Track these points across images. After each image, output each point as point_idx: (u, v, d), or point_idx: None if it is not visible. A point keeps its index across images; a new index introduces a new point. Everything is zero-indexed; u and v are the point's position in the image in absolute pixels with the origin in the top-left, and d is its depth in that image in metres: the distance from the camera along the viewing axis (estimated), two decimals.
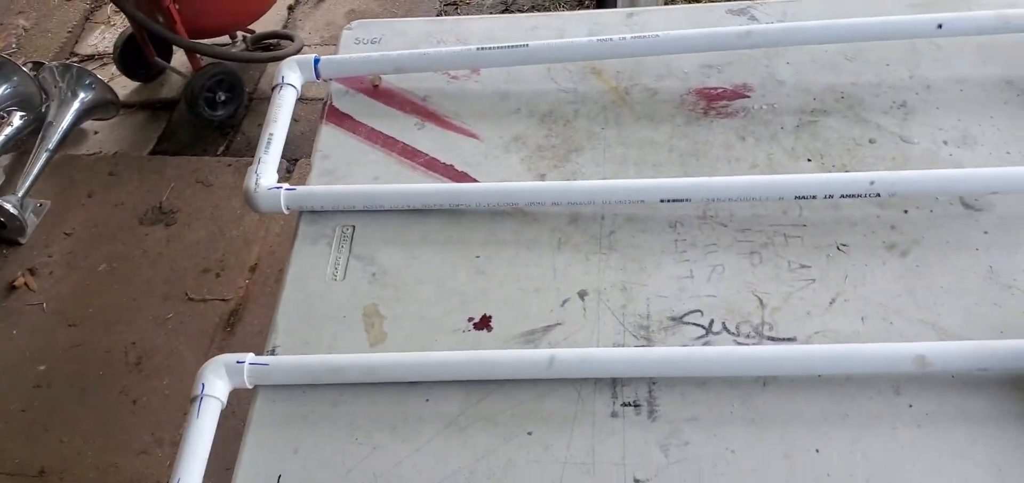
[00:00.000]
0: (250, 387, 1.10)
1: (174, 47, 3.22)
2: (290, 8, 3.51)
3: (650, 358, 1.05)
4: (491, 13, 3.44)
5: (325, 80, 1.42)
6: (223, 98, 3.11)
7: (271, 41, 3.31)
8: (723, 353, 1.05)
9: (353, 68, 1.40)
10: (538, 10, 3.25)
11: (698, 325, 1.11)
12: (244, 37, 3.27)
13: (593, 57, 1.36)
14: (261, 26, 3.27)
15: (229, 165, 3.04)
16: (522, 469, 1.01)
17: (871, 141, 1.26)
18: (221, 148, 3.11)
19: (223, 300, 2.70)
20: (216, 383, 1.08)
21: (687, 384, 1.05)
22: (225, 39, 3.24)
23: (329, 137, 1.37)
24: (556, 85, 1.40)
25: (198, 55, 3.04)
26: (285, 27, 3.44)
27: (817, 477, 0.97)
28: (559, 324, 1.12)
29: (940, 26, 1.28)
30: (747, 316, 1.11)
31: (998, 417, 0.99)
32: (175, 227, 2.93)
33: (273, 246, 2.77)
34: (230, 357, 1.10)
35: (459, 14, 3.42)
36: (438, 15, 3.38)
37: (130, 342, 2.62)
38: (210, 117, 3.12)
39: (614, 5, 2.37)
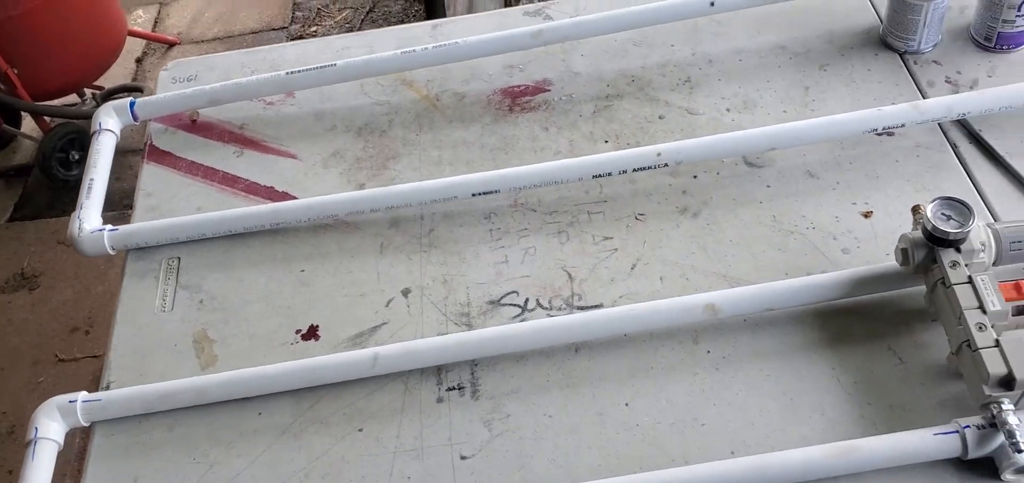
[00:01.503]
0: (86, 424, 1.05)
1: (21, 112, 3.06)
2: (138, 60, 3.38)
3: (469, 341, 1.04)
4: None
5: (143, 121, 1.36)
6: (77, 157, 2.97)
7: (121, 95, 3.18)
8: (536, 327, 1.05)
9: (168, 106, 1.35)
10: (386, 24, 3.21)
11: (515, 305, 1.11)
12: (94, 94, 3.14)
13: (399, 69, 1.35)
14: (109, 81, 3.14)
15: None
16: (354, 464, 0.99)
17: (661, 117, 1.29)
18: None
19: (94, 356, 2.58)
20: (50, 425, 1.03)
21: (507, 361, 1.05)
22: (75, 98, 3.09)
23: (151, 175, 1.32)
24: (370, 99, 1.38)
25: (46, 117, 2.89)
26: (134, 80, 3.32)
27: (628, 427, 0.98)
28: (385, 323, 1.11)
29: (712, 3, 1.32)
30: (558, 290, 1.11)
31: (786, 351, 1.02)
32: (39, 291, 2.78)
33: None
34: (62, 398, 1.05)
35: None
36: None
37: (1, 412, 2.47)
38: (65, 177, 2.98)
39: (443, 13, 2.36)
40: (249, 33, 3.25)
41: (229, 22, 3.30)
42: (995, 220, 1.10)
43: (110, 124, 1.32)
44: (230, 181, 1.29)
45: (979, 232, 0.96)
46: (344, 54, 1.42)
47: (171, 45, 3.27)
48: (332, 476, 0.98)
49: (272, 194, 1.26)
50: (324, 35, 3.21)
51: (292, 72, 1.34)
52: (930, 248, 0.96)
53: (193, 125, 1.38)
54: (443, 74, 1.40)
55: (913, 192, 1.14)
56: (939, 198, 0.97)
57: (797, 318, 1.05)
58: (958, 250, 0.95)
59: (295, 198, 1.25)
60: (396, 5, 3.29)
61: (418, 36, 1.45)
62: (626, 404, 1.00)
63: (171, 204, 1.28)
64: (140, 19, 3.42)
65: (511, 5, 2.05)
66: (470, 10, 2.73)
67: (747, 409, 0.98)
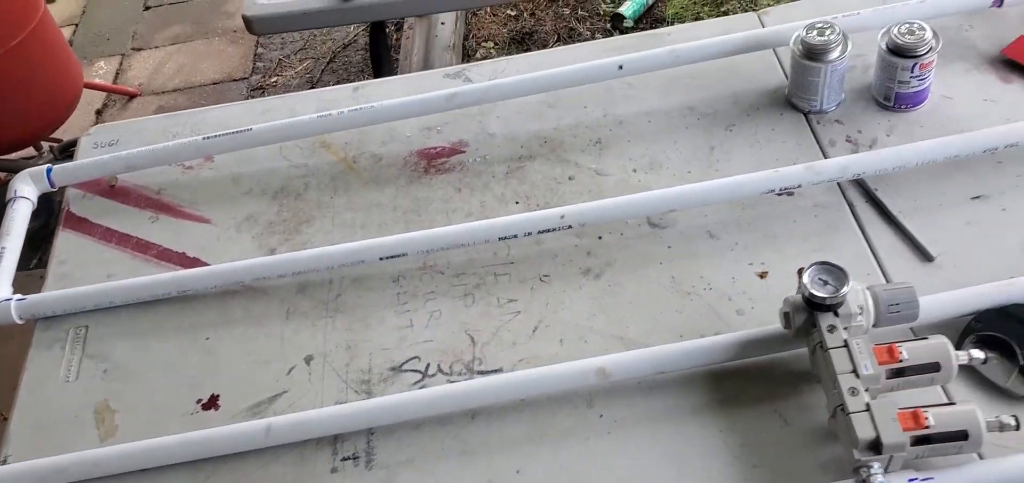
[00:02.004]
0: None
1: None
2: (98, 112, 3.38)
3: (362, 411, 1.04)
4: (297, 91, 3.40)
5: (61, 187, 1.36)
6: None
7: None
8: (432, 394, 1.05)
9: (85, 172, 1.36)
10: (346, 74, 3.23)
11: (416, 371, 1.11)
12: (51, 147, 3.13)
13: (314, 133, 1.36)
14: (69, 132, 3.13)
15: (42, 277, 2.88)
16: None
17: (570, 178, 1.30)
18: (33, 261, 2.95)
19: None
20: None
21: (404, 429, 1.05)
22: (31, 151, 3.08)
23: (65, 242, 1.32)
24: (288, 162, 1.39)
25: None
26: None
27: None
28: (285, 392, 1.11)
29: (621, 67, 1.34)
30: (460, 355, 1.12)
31: (677, 414, 1.03)
32: None
33: None
34: None
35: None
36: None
37: None
38: None
39: (391, 68, 2.38)
40: (210, 84, 3.26)
41: (190, 73, 3.32)
42: (887, 280, 1.12)
43: (26, 191, 1.33)
44: (143, 247, 1.29)
45: (857, 295, 0.98)
46: (264, 117, 1.43)
47: (132, 96, 3.28)
48: None
49: (184, 260, 1.27)
50: (284, 85, 3.23)
51: (208, 137, 1.34)
52: (810, 312, 0.97)
53: (111, 190, 1.38)
54: (362, 136, 1.41)
55: (810, 251, 1.16)
56: (816, 263, 0.98)
57: (689, 380, 1.05)
58: (836, 314, 0.97)
59: (206, 264, 1.25)
60: (356, 55, 3.31)
61: (339, 99, 1.46)
62: (517, 471, 1.00)
63: (84, 271, 1.28)
64: (102, 71, 3.43)
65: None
66: (425, 65, 2.76)
67: (635, 474, 0.98)
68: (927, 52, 1.24)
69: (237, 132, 1.34)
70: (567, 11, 3.17)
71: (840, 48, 1.26)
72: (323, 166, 1.38)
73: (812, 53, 1.27)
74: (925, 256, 1.13)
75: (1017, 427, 0.91)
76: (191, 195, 1.36)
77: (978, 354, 0.97)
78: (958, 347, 1.01)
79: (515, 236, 1.20)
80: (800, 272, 1.02)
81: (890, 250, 1.15)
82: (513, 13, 3.19)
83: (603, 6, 3.14)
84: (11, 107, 2.72)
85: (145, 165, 1.36)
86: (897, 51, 1.25)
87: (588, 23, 3.11)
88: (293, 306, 1.20)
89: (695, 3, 3.09)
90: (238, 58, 3.32)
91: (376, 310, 1.18)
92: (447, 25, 2.93)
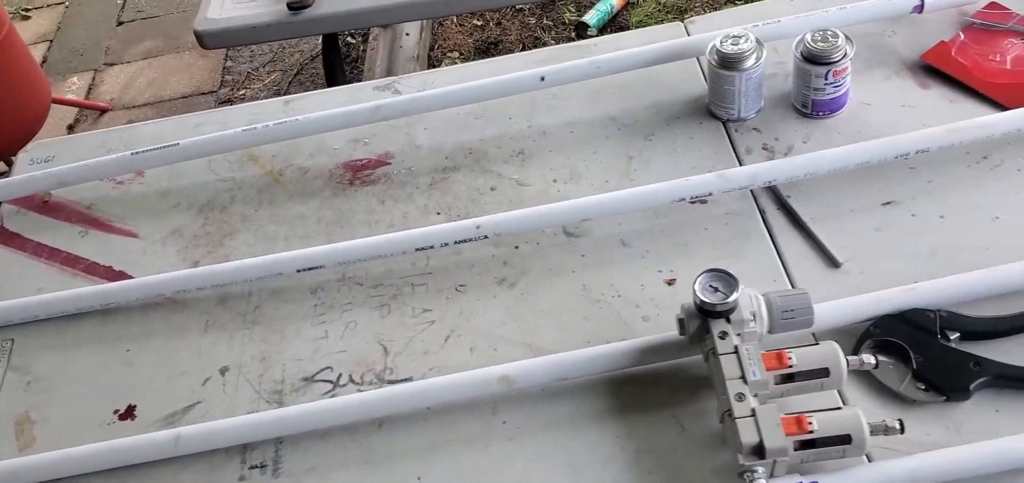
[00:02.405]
0: None
1: None
2: (70, 127, 3.40)
3: (270, 420, 1.06)
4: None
5: None
6: None
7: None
8: (338, 403, 1.07)
9: (19, 189, 1.38)
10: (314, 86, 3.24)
11: (327, 381, 1.13)
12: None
13: (241, 146, 1.38)
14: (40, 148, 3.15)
15: None
16: None
17: (492, 189, 1.32)
18: None
19: None
20: None
21: (311, 438, 1.07)
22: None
23: None
24: (216, 176, 1.40)
25: None
26: None
27: None
28: (199, 402, 1.12)
29: (543, 78, 1.35)
30: (372, 365, 1.13)
31: (577, 420, 1.04)
32: None
33: None
34: None
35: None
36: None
37: None
38: None
39: (344, 78, 2.40)
40: (179, 98, 3.28)
41: (160, 88, 3.34)
42: (792, 286, 1.13)
43: None
44: (72, 262, 1.31)
45: (749, 302, 0.99)
46: (196, 131, 1.45)
47: (103, 111, 3.30)
48: None
49: (110, 274, 1.28)
50: (252, 97, 3.25)
51: (136, 152, 1.36)
52: (703, 318, 0.99)
53: (45, 206, 1.40)
54: (291, 149, 1.43)
55: (718, 259, 1.17)
56: (708, 270, 1.00)
57: (592, 387, 1.07)
58: (728, 320, 0.98)
59: (130, 277, 1.27)
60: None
61: (270, 112, 1.48)
62: (418, 478, 1.02)
63: (14, 286, 1.30)
64: (74, 86, 3.45)
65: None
66: (390, 73, 2.78)
67: (531, 480, 0.99)
68: (841, 59, 1.26)
69: (165, 147, 1.35)
70: (533, 21, 3.19)
71: (754, 57, 1.28)
72: (250, 179, 1.39)
73: (726, 62, 1.28)
74: (832, 262, 1.15)
75: (901, 431, 0.92)
76: (121, 210, 1.38)
77: (869, 359, 0.99)
78: (855, 352, 1.02)
79: (432, 247, 1.21)
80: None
81: (798, 256, 1.16)
82: (479, 22, 3.21)
83: (568, 15, 3.16)
84: None
85: (76, 181, 1.37)
86: (811, 58, 1.27)
87: (553, 32, 3.13)
88: (213, 318, 1.21)
89: (660, 10, 3.11)
90: (207, 71, 3.34)
91: (293, 322, 1.19)
92: (412, 36, 2.95)
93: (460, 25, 3.22)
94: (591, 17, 3.06)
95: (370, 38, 3.05)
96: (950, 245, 1.13)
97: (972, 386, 0.98)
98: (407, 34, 2.95)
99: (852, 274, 1.13)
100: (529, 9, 3.21)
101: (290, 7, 2.04)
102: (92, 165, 1.37)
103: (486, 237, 1.21)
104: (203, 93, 3.27)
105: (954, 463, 0.91)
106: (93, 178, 1.38)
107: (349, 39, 3.26)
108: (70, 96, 3.38)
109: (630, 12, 3.15)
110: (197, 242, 1.31)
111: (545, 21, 3.18)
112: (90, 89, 3.45)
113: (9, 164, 3.04)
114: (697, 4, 3.12)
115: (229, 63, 3.36)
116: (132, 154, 1.35)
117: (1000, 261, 1.08)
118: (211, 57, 3.37)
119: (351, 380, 1.12)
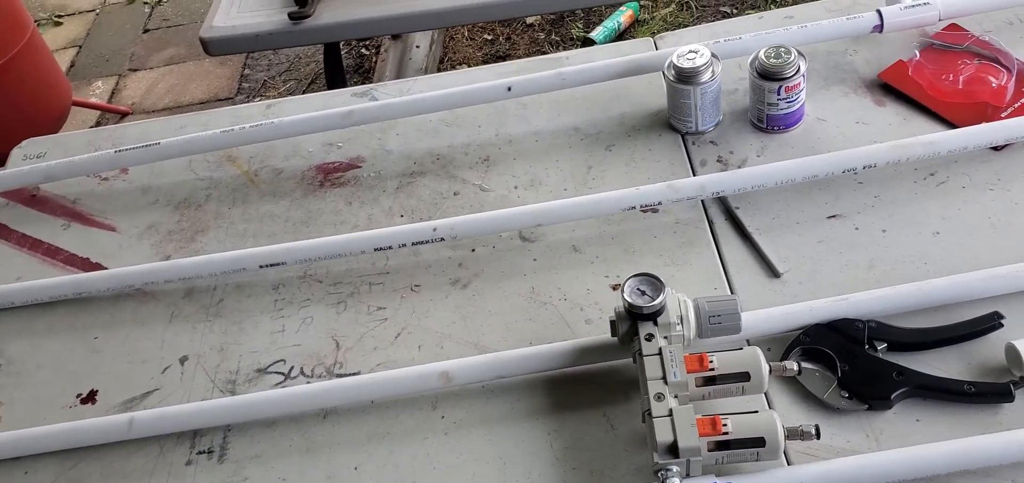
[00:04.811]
0: None
1: None
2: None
3: (220, 407, 1.10)
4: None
5: None
6: None
7: None
8: (285, 394, 1.10)
9: (9, 182, 1.44)
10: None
11: (279, 373, 1.16)
12: None
13: (218, 147, 1.42)
14: None
15: None
16: None
17: (455, 194, 1.35)
18: None
19: None
20: None
21: (258, 426, 1.10)
22: None
23: None
24: (194, 175, 1.45)
25: None
26: None
27: None
28: (157, 389, 1.16)
29: (509, 88, 1.38)
30: (323, 359, 1.16)
31: (511, 417, 1.07)
32: None
33: None
34: None
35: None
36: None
37: None
38: None
39: (343, 82, 2.45)
40: (197, 103, 3.36)
41: (180, 93, 3.42)
42: (731, 292, 1.15)
43: None
44: (52, 253, 1.36)
45: (677, 306, 1.01)
46: (181, 131, 1.50)
47: (123, 115, 3.39)
48: None
49: (87, 265, 1.33)
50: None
51: (119, 150, 1.41)
52: (632, 321, 1.01)
53: (33, 199, 1.46)
54: (268, 151, 1.47)
55: (663, 265, 1.19)
56: (636, 274, 1.02)
57: (529, 385, 1.09)
58: (655, 323, 1.00)
59: (105, 268, 1.31)
60: None
61: (251, 115, 1.52)
62: (355, 468, 1.05)
63: None
64: (99, 90, 3.55)
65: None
66: (399, 76, 2.83)
67: (462, 473, 1.02)
68: (793, 74, 1.27)
69: (146, 146, 1.40)
70: (542, 36, 3.22)
71: (710, 72, 1.30)
72: (227, 179, 1.44)
73: (683, 77, 1.30)
74: (773, 272, 1.16)
75: (817, 436, 0.93)
76: (102, 205, 1.43)
77: (791, 365, 1.00)
78: (784, 358, 1.04)
79: (390, 247, 1.24)
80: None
81: (741, 265, 1.18)
82: (489, 37, 3.25)
83: (576, 31, 3.19)
84: None
85: (62, 176, 1.43)
86: (764, 74, 1.29)
87: (561, 47, 3.16)
88: (178, 310, 1.25)
89: (666, 27, 3.13)
90: (225, 79, 3.42)
91: (252, 315, 1.23)
92: (421, 48, 3.00)
93: (471, 39, 3.27)
94: (598, 33, 3.09)
95: (380, 50, 3.10)
96: (889, 258, 1.14)
97: (894, 395, 0.99)
98: (417, 46, 3.00)
99: (791, 284, 1.14)
100: (538, 25, 3.25)
101: (291, 17, 2.10)
102: (78, 162, 1.42)
103: (442, 239, 1.24)
104: (220, 100, 3.34)
105: (866, 469, 0.92)
106: (79, 174, 1.44)
107: (362, 51, 3.32)
108: (93, 99, 3.48)
109: (637, 29, 3.17)
110: (170, 237, 1.36)
111: (553, 36, 3.21)
112: (113, 93, 3.54)
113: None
114: (704, 21, 3.14)
115: (247, 71, 3.44)
116: (115, 152, 1.41)
117: (937, 275, 1.09)
118: (230, 65, 3.45)
119: (302, 373, 1.16)
